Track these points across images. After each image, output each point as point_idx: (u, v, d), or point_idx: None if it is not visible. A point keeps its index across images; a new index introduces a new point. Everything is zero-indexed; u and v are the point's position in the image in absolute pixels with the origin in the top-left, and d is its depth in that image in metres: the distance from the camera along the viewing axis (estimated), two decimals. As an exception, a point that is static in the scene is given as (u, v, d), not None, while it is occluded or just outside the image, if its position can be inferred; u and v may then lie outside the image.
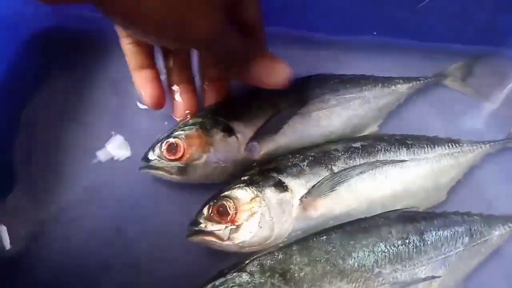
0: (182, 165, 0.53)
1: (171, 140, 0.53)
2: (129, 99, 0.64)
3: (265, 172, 0.53)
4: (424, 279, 0.49)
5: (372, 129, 0.62)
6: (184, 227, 0.52)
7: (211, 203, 0.51)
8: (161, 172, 0.54)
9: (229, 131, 0.54)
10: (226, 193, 0.51)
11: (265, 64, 0.48)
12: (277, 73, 0.49)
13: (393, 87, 0.64)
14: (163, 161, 0.53)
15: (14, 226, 0.56)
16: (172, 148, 0.53)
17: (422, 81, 0.66)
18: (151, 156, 0.54)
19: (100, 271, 0.54)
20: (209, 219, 0.51)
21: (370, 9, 0.68)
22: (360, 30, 0.69)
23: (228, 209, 0.50)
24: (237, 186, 0.52)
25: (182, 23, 0.39)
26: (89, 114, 0.65)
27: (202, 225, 0.51)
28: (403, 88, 0.64)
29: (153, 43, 0.46)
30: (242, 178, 0.53)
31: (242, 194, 0.51)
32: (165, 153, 0.53)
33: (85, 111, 0.65)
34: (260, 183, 0.52)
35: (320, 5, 0.67)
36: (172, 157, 0.53)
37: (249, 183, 0.52)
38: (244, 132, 0.54)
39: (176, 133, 0.54)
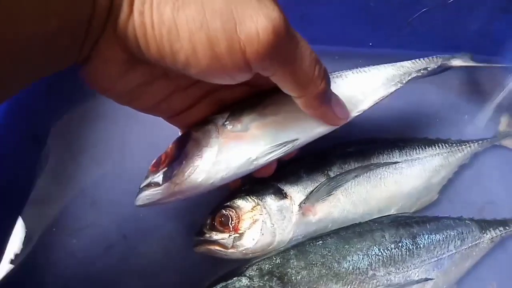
0: (165, 170, 0.48)
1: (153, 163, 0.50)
2: (133, 112, 0.67)
3: (264, 180, 0.54)
4: (418, 281, 0.51)
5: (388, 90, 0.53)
6: (189, 234, 0.54)
7: (214, 214, 0.53)
8: (150, 190, 0.48)
9: (205, 123, 0.49)
10: (228, 203, 0.53)
11: (336, 95, 0.46)
12: (344, 107, 0.47)
13: (398, 64, 0.56)
14: (149, 177, 0.48)
15: (22, 234, 0.58)
16: (156, 161, 0.49)
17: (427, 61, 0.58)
18: (141, 185, 0.49)
19: (106, 278, 0.56)
20: (213, 229, 0.52)
21: (365, 21, 0.70)
22: (355, 41, 0.70)
23: (230, 218, 0.52)
24: (238, 196, 0.54)
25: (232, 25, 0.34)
26: (97, 125, 0.67)
27: (207, 235, 0.52)
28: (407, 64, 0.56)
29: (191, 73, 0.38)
30: (242, 188, 0.54)
31: (243, 203, 0.53)
32: (149, 172, 0.49)
33: (93, 122, 0.67)
34: (260, 191, 0.53)
35: (316, 17, 0.69)
36: (155, 169, 0.48)
37: (250, 192, 0.54)
38: (219, 116, 0.49)
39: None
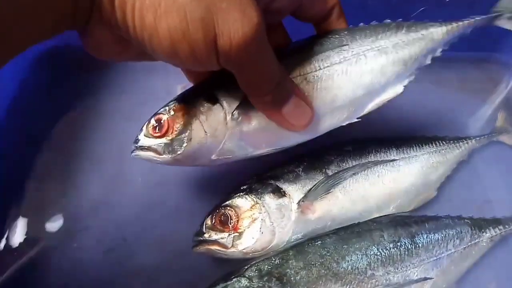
0: (168, 141, 0.49)
1: (156, 116, 0.50)
2: (132, 111, 0.67)
3: (263, 179, 0.55)
4: (417, 281, 0.51)
5: (396, 90, 0.51)
6: (188, 236, 0.54)
7: (214, 213, 0.53)
8: (151, 154, 0.50)
9: (214, 100, 0.48)
10: (227, 202, 0.53)
11: (297, 103, 0.46)
12: (303, 115, 0.47)
13: (423, 31, 0.51)
14: (150, 139, 0.49)
15: (19, 238, 0.58)
16: (157, 124, 0.49)
17: (468, 21, 0.54)
18: (140, 137, 0.50)
19: (106, 280, 0.56)
20: (212, 228, 0.53)
21: (363, 20, 0.70)
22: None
23: (230, 217, 0.52)
24: (237, 195, 0.54)
25: (207, 26, 0.36)
26: (96, 127, 0.67)
27: (206, 235, 0.53)
28: (438, 33, 0.52)
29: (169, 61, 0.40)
30: (241, 187, 0.55)
31: (242, 202, 0.53)
32: (151, 130, 0.49)
33: (91, 124, 0.68)
34: (259, 190, 0.54)
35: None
36: (158, 134, 0.49)
37: (249, 191, 0.54)
38: (229, 100, 0.48)
39: (161, 109, 0.50)
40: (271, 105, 0.45)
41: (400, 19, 0.54)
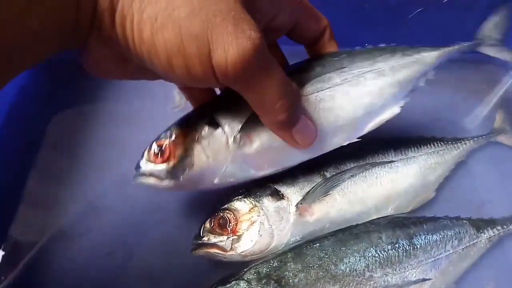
0: (169, 168, 0.49)
1: (157, 142, 0.50)
2: (131, 116, 0.67)
3: (261, 182, 0.55)
4: (415, 282, 0.51)
5: (393, 110, 0.54)
6: (187, 240, 0.55)
7: (212, 217, 0.53)
8: (152, 180, 0.50)
9: (215, 124, 0.49)
10: (226, 205, 0.54)
11: (305, 123, 0.47)
12: (310, 135, 0.48)
13: (416, 55, 0.55)
14: (152, 165, 0.50)
15: (20, 241, 0.58)
16: (159, 150, 0.49)
17: (454, 48, 0.58)
18: (142, 163, 0.51)
19: (107, 283, 0.56)
20: (211, 232, 0.53)
21: (361, 22, 0.70)
22: (352, 43, 0.70)
23: (228, 220, 0.53)
24: (236, 198, 0.54)
25: (205, 45, 0.36)
26: (96, 132, 0.68)
27: (205, 238, 0.53)
28: (430, 56, 0.56)
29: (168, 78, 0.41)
30: (240, 191, 0.55)
31: (241, 205, 0.54)
32: (152, 156, 0.50)
33: (91, 129, 0.68)
34: (257, 193, 0.54)
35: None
36: (160, 160, 0.49)
37: (247, 195, 0.54)
38: (231, 123, 0.48)
39: (162, 134, 0.50)
40: (283, 125, 0.45)
41: (397, 42, 0.57)
